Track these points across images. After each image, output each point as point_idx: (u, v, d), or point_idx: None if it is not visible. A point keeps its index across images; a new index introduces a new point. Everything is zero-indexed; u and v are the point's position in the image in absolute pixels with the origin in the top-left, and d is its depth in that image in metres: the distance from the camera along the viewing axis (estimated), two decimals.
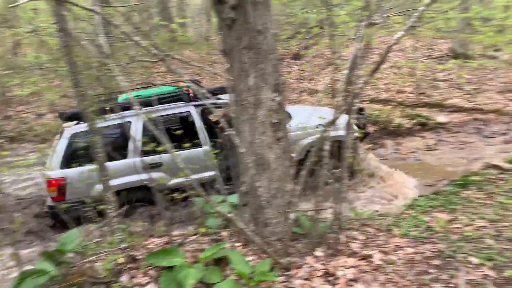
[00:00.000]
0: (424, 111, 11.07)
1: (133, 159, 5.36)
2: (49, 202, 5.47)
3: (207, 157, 5.50)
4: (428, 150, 8.97)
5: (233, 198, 4.05)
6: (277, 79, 3.48)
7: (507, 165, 5.97)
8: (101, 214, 3.83)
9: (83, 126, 5.24)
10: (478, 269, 3.27)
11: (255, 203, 3.51)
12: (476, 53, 14.79)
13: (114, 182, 4.74)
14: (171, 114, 5.86)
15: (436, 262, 3.37)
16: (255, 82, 3.38)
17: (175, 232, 3.82)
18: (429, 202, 4.89)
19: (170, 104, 5.79)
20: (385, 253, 3.41)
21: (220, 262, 3.15)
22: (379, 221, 4.26)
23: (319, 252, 3.32)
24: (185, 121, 6.11)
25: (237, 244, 3.50)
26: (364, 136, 6.83)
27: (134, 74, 11.49)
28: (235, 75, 3.44)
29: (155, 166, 5.36)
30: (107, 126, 5.32)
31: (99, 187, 4.68)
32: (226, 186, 5.13)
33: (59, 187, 5.16)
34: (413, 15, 2.78)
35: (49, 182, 5.18)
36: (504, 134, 9.75)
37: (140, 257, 3.26)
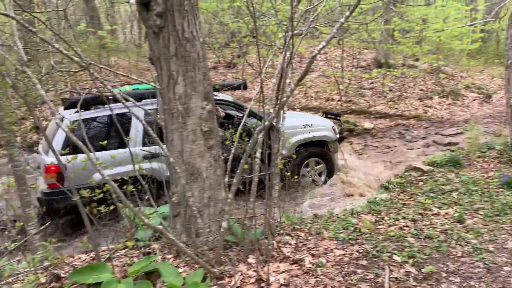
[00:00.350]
0: (352, 118, 11.59)
1: (132, 149, 5.04)
2: (44, 189, 5.26)
3: None
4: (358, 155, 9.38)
5: (164, 209, 3.96)
6: (207, 87, 3.47)
7: (427, 167, 6.41)
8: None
9: (85, 114, 5.28)
10: (401, 266, 3.46)
11: (187, 213, 3.45)
12: (398, 63, 15.77)
13: (115, 170, 4.80)
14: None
15: (363, 262, 3.52)
16: (184, 90, 3.34)
17: (103, 247, 3.65)
18: (356, 204, 5.11)
19: None
20: (315, 256, 3.51)
21: (151, 275, 3.05)
22: (310, 224, 4.37)
23: (252, 259, 3.33)
24: None
25: (169, 256, 3.42)
26: (341, 140, 7.31)
27: (59, 82, 10.92)
28: (164, 83, 3.38)
29: (153, 157, 5.31)
30: (106, 116, 5.43)
31: (97, 175, 4.46)
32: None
33: (58, 174, 5.01)
34: (334, 27, 2.90)
35: (48, 168, 5.02)
36: (423, 138, 10.47)
37: (64, 275, 3.08)
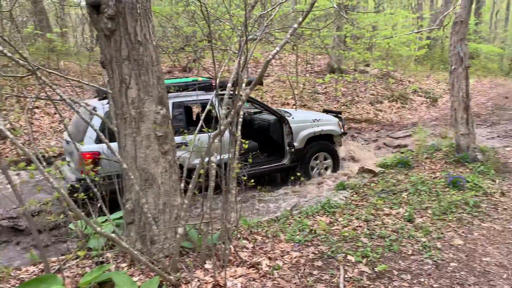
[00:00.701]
0: None
1: None
2: (77, 175, 5.43)
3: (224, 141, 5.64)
4: None
5: (117, 216, 3.85)
6: (162, 91, 3.42)
7: (378, 169, 6.62)
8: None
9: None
10: (355, 266, 3.55)
11: (141, 220, 3.38)
12: (349, 68, 16.23)
13: None
14: (196, 100, 6.16)
15: (319, 263, 3.58)
16: (138, 95, 3.28)
17: (53, 258, 3.50)
18: (312, 206, 5.19)
19: (195, 91, 5.99)
20: (272, 259, 3.53)
21: (105, 285, 2.96)
22: (267, 227, 4.40)
23: (208, 265, 3.31)
24: (206, 107, 6.17)
25: (123, 265, 3.33)
26: (343, 135, 7.76)
27: (5, 87, 10.38)
28: (116, 87, 3.30)
29: (178, 146, 5.21)
30: None
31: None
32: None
33: (94, 161, 5.13)
34: (288, 33, 2.95)
35: (83, 156, 5.12)
36: (375, 141, 10.81)
37: None
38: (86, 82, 4.02)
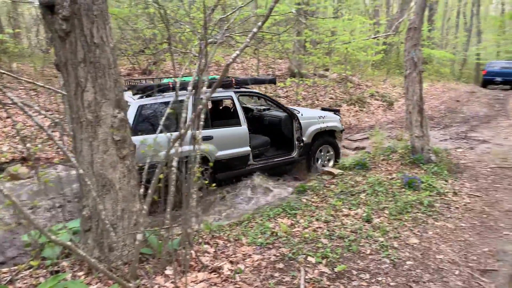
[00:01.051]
0: None
1: (188, 132, 5.16)
2: None
3: (243, 135, 6.57)
4: None
5: (74, 224, 3.73)
6: (119, 95, 3.35)
7: (337, 171, 6.76)
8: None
9: (147, 99, 5.78)
10: (316, 267, 3.61)
11: (99, 227, 3.29)
12: (309, 72, 16.49)
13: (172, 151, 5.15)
14: (217, 96, 6.66)
15: (280, 265, 3.61)
16: (94, 98, 3.19)
17: (4, 268, 3.34)
18: (273, 209, 5.23)
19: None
20: (234, 263, 3.53)
21: None
22: (229, 231, 4.39)
23: (169, 271, 3.26)
24: (226, 103, 7.17)
25: (80, 274, 3.22)
26: (342, 131, 8.36)
27: None
28: (71, 90, 3.20)
29: (206, 139, 5.98)
30: (168, 102, 5.59)
31: (161, 154, 4.91)
32: (255, 161, 6.77)
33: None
34: (248, 36, 2.97)
35: None
36: None
37: None
38: (41, 85, 3.87)
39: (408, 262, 3.84)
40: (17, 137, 7.85)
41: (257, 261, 3.64)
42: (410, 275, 3.63)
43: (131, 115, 5.45)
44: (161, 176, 3.22)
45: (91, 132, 3.21)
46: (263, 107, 8.35)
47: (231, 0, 13.37)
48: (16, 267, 3.27)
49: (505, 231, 4.67)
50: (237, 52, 2.96)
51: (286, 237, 4.23)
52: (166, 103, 5.74)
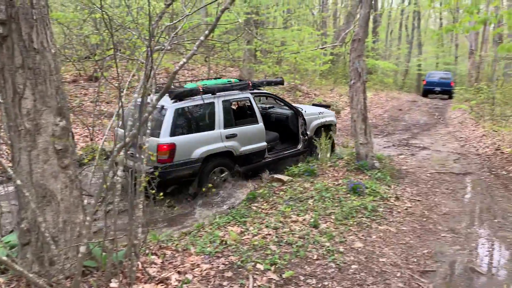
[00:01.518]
0: None
1: (218, 131, 6.66)
2: (155, 164, 5.92)
3: (261, 131, 7.35)
4: None
5: (11, 238, 3.54)
6: (61, 102, 3.23)
7: (286, 178, 6.87)
8: None
9: (181, 103, 6.35)
10: (264, 274, 3.64)
11: (39, 240, 3.14)
12: None
13: (206, 148, 6.39)
14: (237, 98, 7.29)
15: (229, 274, 3.61)
16: (34, 106, 3.06)
17: None
18: (223, 217, 5.22)
19: (235, 90, 7.19)
20: (182, 273, 3.49)
21: None
22: (177, 241, 4.33)
23: (114, 284, 3.17)
24: (245, 104, 7.86)
25: None
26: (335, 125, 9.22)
27: None
28: (9, 97, 3.05)
29: (231, 136, 6.77)
30: (199, 105, 6.59)
31: (198, 151, 6.29)
32: (269, 154, 7.54)
33: (170, 151, 6.05)
34: (195, 44, 2.97)
35: (161, 147, 5.99)
36: None
37: None
38: None
39: (353, 266, 3.96)
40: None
41: (205, 270, 3.61)
42: (354, 278, 3.75)
43: (168, 117, 6.12)
44: (105, 186, 3.13)
45: (30, 141, 3.07)
46: (268, 105, 9.11)
47: (180, 8, 13.31)
48: None
49: (442, 233, 4.95)
50: (184, 59, 2.95)
51: (236, 245, 4.24)
52: (197, 106, 6.58)
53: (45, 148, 3.13)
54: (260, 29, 13.37)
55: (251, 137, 7.16)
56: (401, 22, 38.23)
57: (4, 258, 2.62)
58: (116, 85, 11.73)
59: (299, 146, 8.11)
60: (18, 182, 2.90)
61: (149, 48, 3.41)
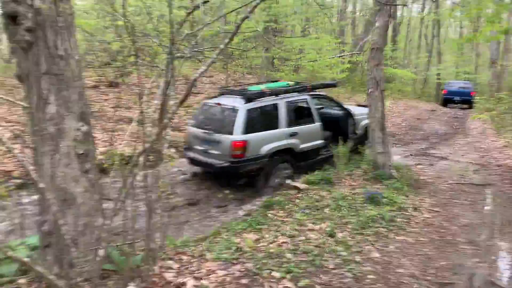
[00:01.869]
0: None
1: (282, 129, 7.44)
2: (229, 159, 6.85)
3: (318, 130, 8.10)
4: None
5: (32, 240, 3.61)
6: (83, 108, 3.31)
7: (303, 186, 6.85)
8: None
9: (251, 104, 7.12)
10: (280, 282, 3.63)
11: (59, 243, 3.20)
12: None
13: (272, 145, 7.16)
14: (297, 99, 7.98)
15: (245, 281, 3.62)
16: (57, 111, 3.14)
17: None
18: (239, 224, 5.24)
19: (295, 92, 8.03)
20: (198, 278, 3.50)
21: None
22: (194, 247, 4.36)
23: (131, 287, 3.20)
24: (304, 105, 8.26)
25: None
26: None
27: None
28: (34, 102, 3.13)
29: (293, 135, 7.55)
30: (266, 106, 7.39)
31: (265, 148, 7.04)
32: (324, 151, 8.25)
33: (243, 147, 6.77)
34: (215, 52, 3.02)
35: (235, 144, 6.75)
36: None
37: None
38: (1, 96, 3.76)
39: (369, 276, 3.92)
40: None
41: (221, 276, 3.62)
42: None
43: (241, 117, 6.82)
44: (125, 190, 3.18)
45: (53, 145, 3.14)
46: (321, 106, 9.52)
47: (201, 16, 13.45)
48: None
49: (462, 245, 4.86)
50: (203, 67, 3.00)
51: (251, 252, 4.24)
52: (265, 107, 7.30)
53: (67, 153, 3.19)
54: (279, 38, 13.43)
55: (310, 135, 7.88)
56: (421, 31, 37.89)
57: (26, 259, 2.68)
58: (137, 91, 11.91)
59: (350, 145, 8.34)
60: (41, 185, 2.96)
61: (170, 55, 3.47)
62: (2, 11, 3.00)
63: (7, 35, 3.14)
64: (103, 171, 6.18)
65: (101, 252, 3.03)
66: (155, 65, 6.95)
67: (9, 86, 11.87)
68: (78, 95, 3.26)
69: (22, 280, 3.22)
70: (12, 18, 2.97)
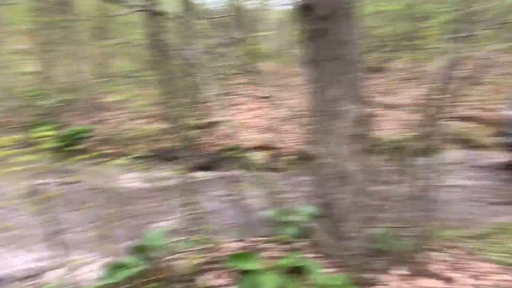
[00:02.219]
0: None
1: None
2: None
3: None
4: None
5: (310, 209, 4.00)
6: (360, 91, 3.44)
7: None
8: None
9: None
10: None
11: (334, 215, 3.45)
12: None
13: None
14: None
15: None
16: (338, 93, 3.36)
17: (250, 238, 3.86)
18: None
19: None
20: (474, 277, 3.20)
21: (293, 271, 3.13)
22: (463, 242, 3.99)
23: (397, 271, 3.18)
24: None
25: (311, 255, 3.46)
26: None
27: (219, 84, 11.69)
28: (318, 86, 3.44)
29: None
30: None
31: None
32: None
33: None
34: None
35: None
36: None
37: (218, 259, 3.34)
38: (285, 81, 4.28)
39: None
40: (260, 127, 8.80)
41: (504, 281, 3.20)
42: None
43: None
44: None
45: (332, 125, 3.38)
46: None
47: None
48: (260, 239, 3.73)
49: None
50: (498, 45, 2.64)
51: None
52: None
53: (345, 133, 3.39)
54: None
55: None
56: None
57: (307, 226, 2.98)
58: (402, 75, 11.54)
59: None
60: (324, 160, 3.24)
61: (452, 36, 3.22)
62: (300, 2, 3.36)
63: (300, 25, 3.51)
64: (371, 153, 6.27)
65: (370, 231, 3.11)
66: (426, 48, 6.59)
67: (287, 73, 13.38)
68: (356, 79, 3.40)
69: (300, 243, 3.62)
70: (307, 8, 3.31)
